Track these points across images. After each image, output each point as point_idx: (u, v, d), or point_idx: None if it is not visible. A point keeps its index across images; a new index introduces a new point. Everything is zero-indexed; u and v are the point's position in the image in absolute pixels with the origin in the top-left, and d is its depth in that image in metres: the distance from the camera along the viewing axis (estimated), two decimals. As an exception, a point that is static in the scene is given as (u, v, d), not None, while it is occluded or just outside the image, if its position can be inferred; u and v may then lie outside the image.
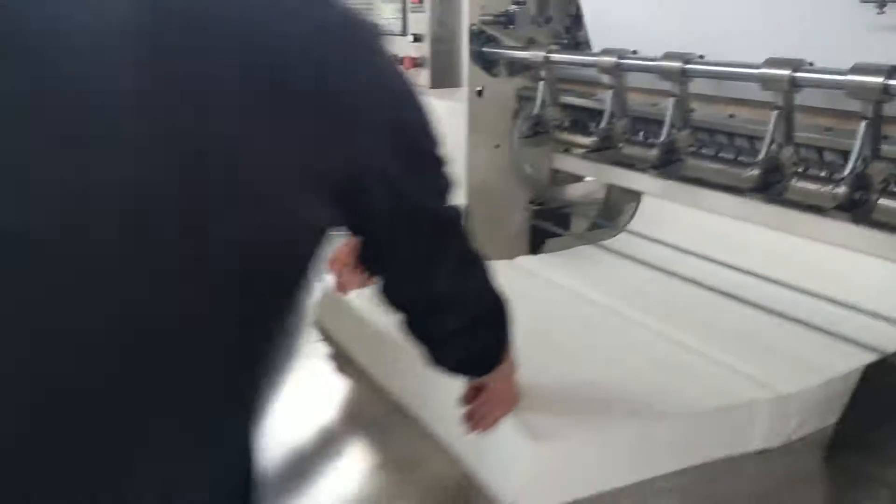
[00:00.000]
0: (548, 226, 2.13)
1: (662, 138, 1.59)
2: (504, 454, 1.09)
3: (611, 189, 2.12)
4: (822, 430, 1.26)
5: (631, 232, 1.99)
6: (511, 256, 1.88)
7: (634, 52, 1.66)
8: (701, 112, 1.63)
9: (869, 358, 1.33)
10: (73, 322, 0.59)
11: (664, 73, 1.54)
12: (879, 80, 1.18)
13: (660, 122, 1.62)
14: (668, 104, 1.58)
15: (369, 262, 0.88)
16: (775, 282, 1.61)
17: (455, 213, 0.87)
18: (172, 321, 0.62)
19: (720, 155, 1.63)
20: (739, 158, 1.58)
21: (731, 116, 1.61)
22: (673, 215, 1.86)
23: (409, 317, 0.91)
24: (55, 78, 0.57)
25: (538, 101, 1.92)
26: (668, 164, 1.59)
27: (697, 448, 1.17)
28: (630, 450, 1.13)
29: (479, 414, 1.07)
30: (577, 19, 1.93)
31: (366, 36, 0.72)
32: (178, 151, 0.60)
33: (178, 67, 0.60)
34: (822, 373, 1.29)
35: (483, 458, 1.12)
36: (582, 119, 1.97)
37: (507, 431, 1.08)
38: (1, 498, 0.60)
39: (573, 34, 2.01)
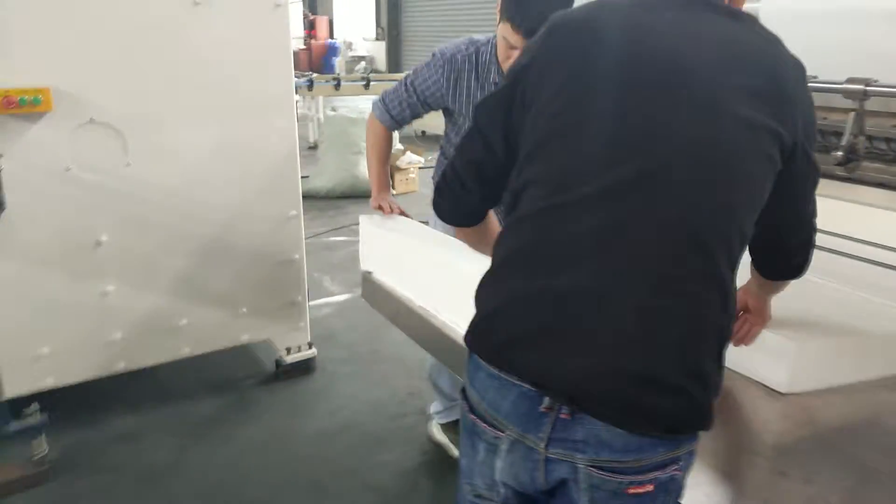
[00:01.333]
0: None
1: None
2: (773, 355, 1.56)
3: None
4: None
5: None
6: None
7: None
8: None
9: None
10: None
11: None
12: None
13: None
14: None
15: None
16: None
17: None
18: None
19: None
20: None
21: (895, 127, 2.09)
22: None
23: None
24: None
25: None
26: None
27: (878, 359, 1.64)
28: (856, 353, 1.60)
29: (744, 331, 1.50)
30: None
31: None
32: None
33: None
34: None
35: (757, 361, 1.59)
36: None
37: (772, 338, 1.55)
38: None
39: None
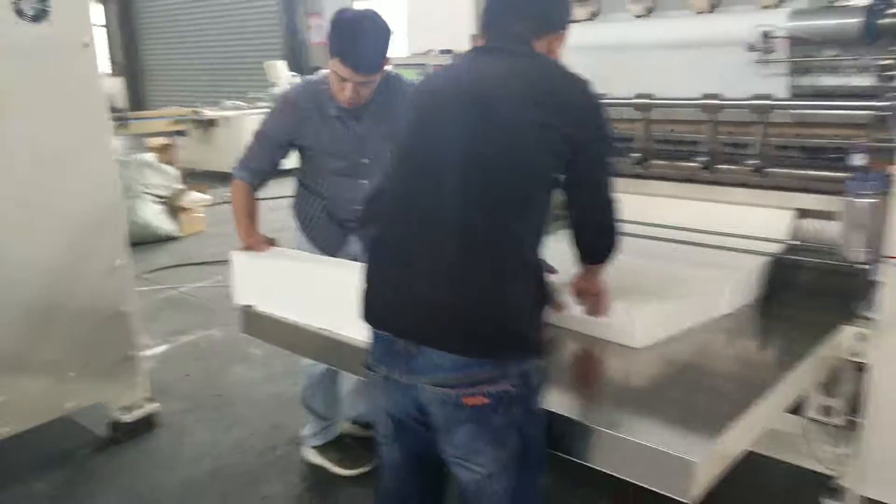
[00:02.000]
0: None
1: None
2: (624, 322, 1.92)
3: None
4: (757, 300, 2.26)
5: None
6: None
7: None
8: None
9: (766, 258, 2.36)
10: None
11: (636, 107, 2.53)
12: (767, 102, 2.23)
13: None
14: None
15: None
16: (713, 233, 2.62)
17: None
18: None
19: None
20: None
21: (672, 131, 2.63)
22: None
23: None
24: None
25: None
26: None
27: (708, 310, 2.11)
28: (679, 310, 2.03)
29: (593, 308, 1.86)
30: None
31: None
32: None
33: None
34: (751, 267, 2.29)
35: (612, 327, 1.93)
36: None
37: (621, 308, 1.91)
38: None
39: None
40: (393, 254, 1.54)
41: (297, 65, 13.12)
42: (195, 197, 6.86)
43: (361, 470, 2.67)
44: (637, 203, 2.79)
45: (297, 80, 11.13)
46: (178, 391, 3.57)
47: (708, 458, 1.34)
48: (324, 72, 2.41)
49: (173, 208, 6.69)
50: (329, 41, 2.25)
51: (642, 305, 1.91)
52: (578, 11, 2.76)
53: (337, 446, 2.75)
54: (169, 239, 6.53)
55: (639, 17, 2.64)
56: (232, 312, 4.50)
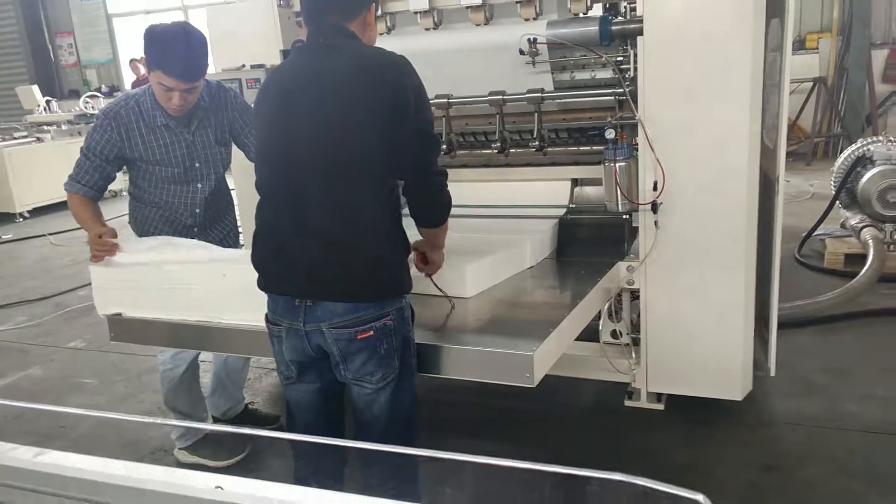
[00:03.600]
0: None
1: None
2: (455, 277, 2.35)
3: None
4: (552, 253, 2.84)
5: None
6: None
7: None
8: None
9: (555, 220, 2.95)
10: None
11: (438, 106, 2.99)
12: (539, 95, 2.80)
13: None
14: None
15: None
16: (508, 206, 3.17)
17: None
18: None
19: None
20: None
21: (467, 124, 3.14)
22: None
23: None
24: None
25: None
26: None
27: (518, 264, 2.62)
28: (497, 263, 2.51)
29: (428, 268, 2.21)
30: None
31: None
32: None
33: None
34: (544, 229, 2.86)
35: (448, 282, 2.35)
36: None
37: (453, 266, 2.35)
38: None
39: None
40: (279, 232, 1.86)
41: (49, 89, 12.19)
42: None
43: (237, 458, 2.84)
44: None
45: (55, 103, 10.44)
46: (14, 430, 3.42)
47: (541, 352, 1.81)
48: (139, 88, 2.58)
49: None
50: (147, 56, 2.41)
51: (468, 264, 2.36)
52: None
53: (206, 442, 2.89)
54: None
55: (428, 29, 3.10)
56: (47, 349, 4.41)
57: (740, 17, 2.45)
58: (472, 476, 1.04)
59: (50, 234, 7.42)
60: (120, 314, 2.37)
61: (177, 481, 0.89)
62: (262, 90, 1.96)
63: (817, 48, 8.96)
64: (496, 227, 2.96)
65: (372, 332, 1.81)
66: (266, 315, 1.97)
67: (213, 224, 2.76)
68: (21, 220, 8.44)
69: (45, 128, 9.43)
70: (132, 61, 10.80)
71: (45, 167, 8.18)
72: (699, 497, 0.77)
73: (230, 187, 2.88)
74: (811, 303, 3.72)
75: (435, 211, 2.00)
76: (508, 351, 1.79)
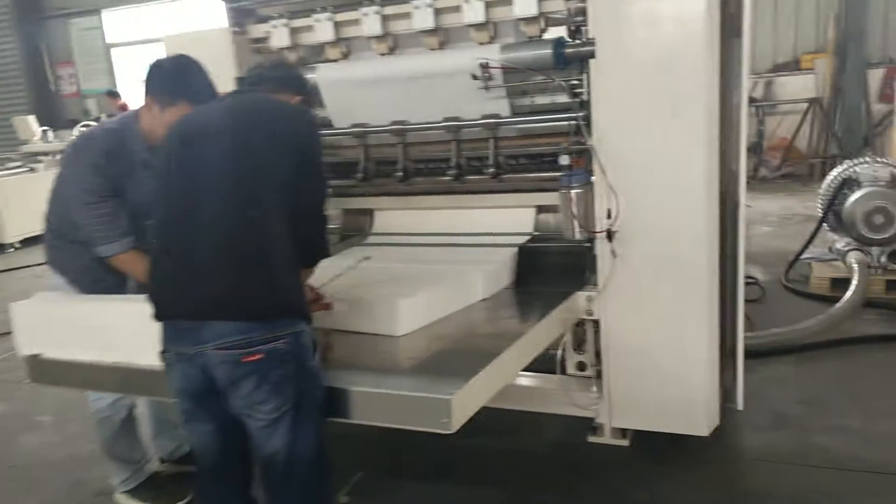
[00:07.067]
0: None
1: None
2: (385, 314, 2.25)
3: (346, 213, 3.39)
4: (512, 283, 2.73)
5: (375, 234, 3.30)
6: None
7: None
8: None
9: (515, 249, 2.84)
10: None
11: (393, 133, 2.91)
12: (493, 121, 2.71)
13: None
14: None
15: None
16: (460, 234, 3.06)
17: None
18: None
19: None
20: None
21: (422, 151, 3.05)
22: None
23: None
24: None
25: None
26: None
27: (466, 297, 2.51)
28: (434, 302, 2.39)
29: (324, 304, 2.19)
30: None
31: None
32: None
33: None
34: (504, 258, 2.75)
35: (375, 322, 2.26)
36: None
37: (382, 302, 2.25)
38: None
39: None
40: (174, 258, 1.80)
41: (48, 119, 12.16)
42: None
43: (181, 503, 2.72)
44: (403, 217, 3.21)
45: (51, 133, 10.38)
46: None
47: (463, 394, 1.68)
48: (114, 123, 2.50)
49: None
50: (163, 93, 2.31)
51: (402, 299, 2.25)
52: (332, 52, 3.10)
53: (149, 486, 2.77)
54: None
55: (383, 55, 3.03)
56: (10, 385, 4.30)
57: (693, 36, 2.36)
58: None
59: (36, 264, 7.37)
60: (38, 355, 2.26)
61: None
62: (183, 129, 1.93)
63: (813, 68, 8.87)
64: (450, 258, 2.85)
65: (261, 356, 1.71)
66: (162, 350, 1.86)
67: None
68: (12, 249, 8.40)
69: (40, 158, 9.43)
70: (110, 93, 10.72)
71: (37, 197, 8.08)
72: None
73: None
74: (787, 331, 3.58)
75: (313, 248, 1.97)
76: (421, 394, 1.66)
